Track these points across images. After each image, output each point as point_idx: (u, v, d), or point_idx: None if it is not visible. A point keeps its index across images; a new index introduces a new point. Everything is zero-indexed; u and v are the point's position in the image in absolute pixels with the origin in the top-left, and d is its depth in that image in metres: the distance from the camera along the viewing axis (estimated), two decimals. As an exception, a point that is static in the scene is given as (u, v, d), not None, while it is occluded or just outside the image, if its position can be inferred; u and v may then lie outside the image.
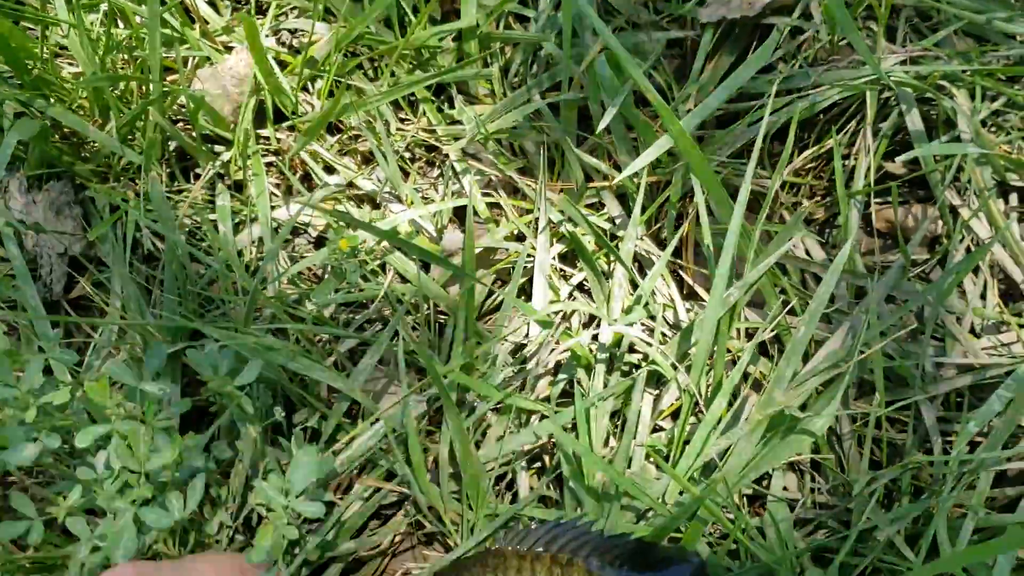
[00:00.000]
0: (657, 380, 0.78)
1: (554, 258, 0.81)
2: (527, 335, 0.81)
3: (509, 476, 0.78)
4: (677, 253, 0.82)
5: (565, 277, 0.81)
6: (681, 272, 0.82)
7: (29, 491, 0.74)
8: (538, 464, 0.79)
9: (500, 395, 0.74)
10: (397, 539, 0.79)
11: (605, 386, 0.76)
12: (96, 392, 0.67)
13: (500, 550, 0.66)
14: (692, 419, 0.75)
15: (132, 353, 0.78)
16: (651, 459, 0.75)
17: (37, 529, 0.68)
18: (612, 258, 0.79)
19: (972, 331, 0.77)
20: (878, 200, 0.83)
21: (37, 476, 0.76)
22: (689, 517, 0.69)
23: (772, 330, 0.73)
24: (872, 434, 0.73)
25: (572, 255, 0.83)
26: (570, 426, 0.76)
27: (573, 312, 0.78)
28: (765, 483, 0.74)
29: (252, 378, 0.72)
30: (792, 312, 0.76)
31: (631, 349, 0.78)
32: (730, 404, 0.73)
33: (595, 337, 0.77)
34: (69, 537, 0.75)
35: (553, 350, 0.76)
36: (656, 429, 0.77)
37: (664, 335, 0.77)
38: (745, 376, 0.75)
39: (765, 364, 0.77)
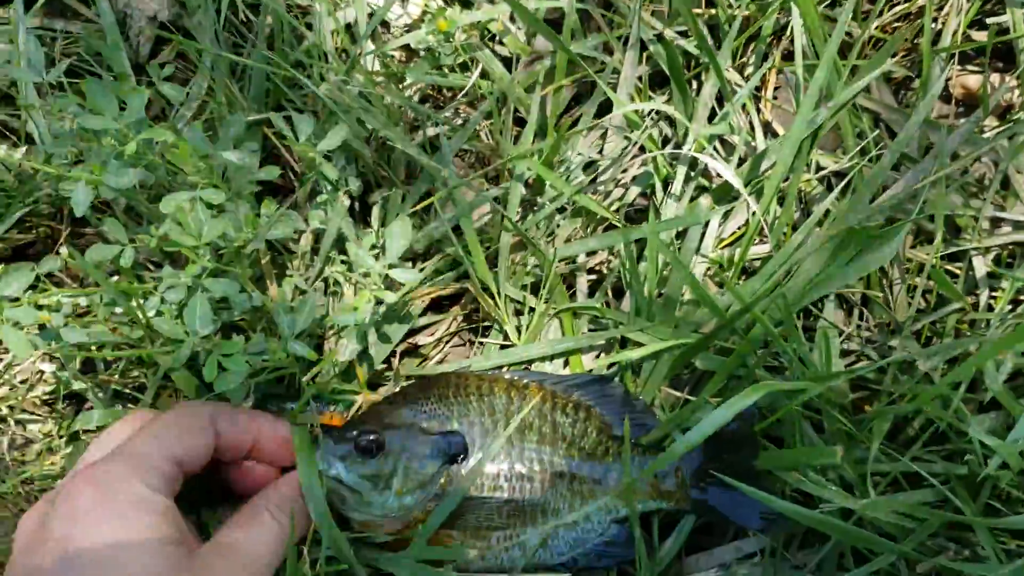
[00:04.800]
0: (724, 213, 0.80)
1: (638, 78, 0.82)
2: (601, 151, 0.82)
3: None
4: (757, 91, 0.84)
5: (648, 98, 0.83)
6: (761, 109, 0.84)
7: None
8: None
9: (571, 190, 0.76)
10: (454, 328, 0.82)
11: (678, 200, 0.78)
12: (178, 157, 0.68)
13: (461, 371, 0.73)
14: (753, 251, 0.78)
15: (218, 115, 0.79)
16: (712, 276, 0.78)
17: (128, 254, 0.70)
18: (696, 83, 0.81)
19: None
20: (958, 67, 0.85)
21: (127, 212, 0.77)
22: (744, 331, 0.72)
23: (849, 162, 0.75)
24: (923, 284, 0.76)
25: (655, 79, 0.84)
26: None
27: (657, 121, 0.79)
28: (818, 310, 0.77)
29: (337, 142, 0.73)
30: (863, 152, 0.78)
31: (704, 174, 0.80)
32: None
33: (673, 157, 0.79)
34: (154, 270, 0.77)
35: (634, 156, 0.78)
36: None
37: (741, 160, 0.79)
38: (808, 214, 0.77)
39: (832, 204, 0.79)
